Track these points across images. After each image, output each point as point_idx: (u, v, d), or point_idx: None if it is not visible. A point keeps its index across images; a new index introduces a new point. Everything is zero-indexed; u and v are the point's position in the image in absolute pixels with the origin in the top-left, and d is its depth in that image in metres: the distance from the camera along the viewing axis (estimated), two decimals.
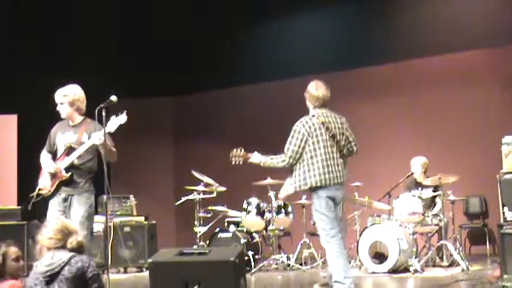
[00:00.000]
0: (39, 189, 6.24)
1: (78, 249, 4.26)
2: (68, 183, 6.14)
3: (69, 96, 6.24)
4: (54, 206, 6.18)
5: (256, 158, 6.39)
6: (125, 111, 6.08)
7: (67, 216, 6.09)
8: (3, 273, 4.43)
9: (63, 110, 6.27)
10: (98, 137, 5.97)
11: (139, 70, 12.59)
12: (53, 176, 6.19)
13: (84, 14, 11.88)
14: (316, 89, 6.28)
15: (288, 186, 6.28)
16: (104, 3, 11.90)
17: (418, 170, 9.14)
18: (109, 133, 5.99)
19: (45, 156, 6.33)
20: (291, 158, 6.07)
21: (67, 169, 6.14)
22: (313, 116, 6.20)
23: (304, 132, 6.08)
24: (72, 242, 4.25)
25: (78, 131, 6.23)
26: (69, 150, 6.17)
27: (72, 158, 6.12)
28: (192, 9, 12.67)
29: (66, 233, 4.27)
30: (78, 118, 6.30)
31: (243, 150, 6.53)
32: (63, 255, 4.18)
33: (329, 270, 6.10)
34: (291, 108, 11.83)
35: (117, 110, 6.09)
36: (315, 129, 6.10)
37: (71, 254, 4.19)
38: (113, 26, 12.16)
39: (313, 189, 6.06)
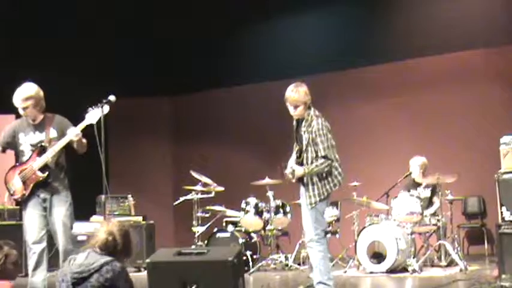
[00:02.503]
0: (11, 195, 6.09)
1: (107, 247, 4.03)
2: (45, 183, 6.01)
3: (32, 98, 6.03)
4: (33, 207, 6.05)
5: (299, 170, 5.99)
6: (106, 102, 5.87)
7: (47, 216, 6.00)
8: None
9: (28, 112, 6.06)
10: (75, 133, 5.87)
11: (139, 70, 12.58)
12: (26, 178, 6.00)
13: (84, 14, 11.87)
14: (305, 87, 6.16)
15: (319, 191, 5.99)
16: (104, 3, 11.90)
17: (416, 170, 9.13)
18: (91, 125, 5.81)
19: None
20: (333, 160, 5.96)
21: (42, 169, 5.98)
22: (319, 114, 6.11)
23: (328, 133, 6.02)
24: (100, 236, 4.04)
25: (43, 129, 6.07)
26: (41, 149, 6.01)
27: (47, 156, 5.96)
28: (191, 10, 12.67)
29: (101, 228, 4.11)
30: (41, 116, 6.12)
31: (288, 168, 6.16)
32: (97, 260, 3.95)
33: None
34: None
35: (116, 109, 6.06)
36: (330, 130, 6.06)
37: (106, 259, 3.96)
38: (113, 26, 12.16)
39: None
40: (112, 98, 5.82)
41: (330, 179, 5.98)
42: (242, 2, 12.12)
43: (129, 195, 10.15)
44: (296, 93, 6.06)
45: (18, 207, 9.09)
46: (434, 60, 11.16)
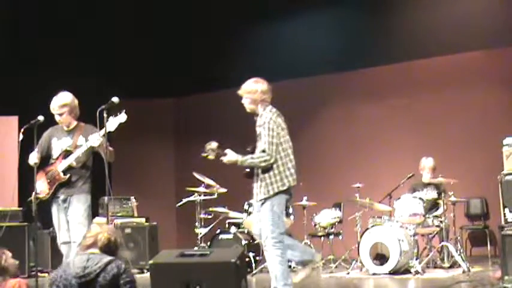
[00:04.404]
0: (36, 194, 6.30)
1: (109, 247, 4.17)
2: (67, 184, 6.29)
3: (68, 105, 6.36)
4: (57, 211, 6.34)
5: (232, 156, 5.90)
6: (124, 111, 6.15)
7: (65, 216, 6.26)
8: (5, 271, 4.46)
9: (63, 119, 6.39)
10: (95, 139, 6.09)
11: (140, 70, 12.59)
12: (51, 179, 6.30)
13: (84, 14, 11.89)
14: (263, 83, 5.99)
15: (260, 190, 5.82)
16: (103, 3, 11.91)
17: (427, 171, 9.08)
18: (108, 133, 6.02)
19: (35, 157, 6.32)
20: (273, 158, 5.72)
21: (65, 171, 6.27)
22: (275, 111, 5.95)
23: (276, 128, 5.81)
24: (101, 238, 4.16)
25: (73, 135, 6.38)
26: (66, 153, 6.31)
27: (70, 160, 6.27)
28: (192, 9, 12.68)
29: (99, 231, 4.22)
30: (74, 123, 6.45)
31: (217, 144, 6.03)
32: (100, 260, 4.06)
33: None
34: (291, 108, 11.85)
35: (117, 110, 6.13)
36: (283, 128, 5.90)
37: (109, 258, 4.07)
38: (113, 26, 12.17)
39: (283, 191, 5.77)
40: (115, 99, 5.89)
41: (278, 177, 5.75)
42: (242, 3, 12.13)
43: (132, 197, 10.16)
44: (247, 84, 6.04)
45: (20, 208, 9.15)
46: (436, 61, 11.16)
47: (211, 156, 5.98)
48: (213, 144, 5.99)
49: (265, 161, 5.74)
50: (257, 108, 6.01)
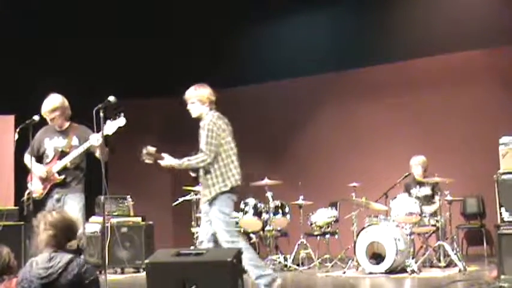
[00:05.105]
0: (28, 193, 6.34)
1: (77, 250, 4.07)
2: (62, 184, 6.35)
3: (58, 109, 6.42)
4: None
5: (169, 160, 6.06)
6: (123, 114, 6.23)
7: None
8: (11, 270, 4.46)
9: (56, 121, 6.45)
10: (96, 138, 6.11)
11: (138, 70, 12.57)
12: (45, 179, 6.35)
13: (84, 14, 11.87)
14: (208, 88, 6.27)
15: (204, 192, 5.95)
16: (104, 3, 11.89)
17: (418, 168, 9.11)
18: (107, 135, 6.04)
19: (30, 160, 6.40)
20: (211, 157, 5.85)
21: (60, 172, 6.34)
22: (216, 115, 6.11)
23: (216, 130, 5.95)
24: (72, 245, 4.04)
25: (66, 136, 6.44)
26: (61, 154, 6.37)
27: (66, 161, 6.33)
28: (191, 9, 12.66)
29: (65, 231, 4.06)
30: (66, 124, 6.52)
31: (155, 149, 6.14)
32: (61, 259, 3.94)
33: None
34: (291, 108, 11.90)
35: (116, 113, 6.14)
36: (224, 129, 6.02)
37: (69, 257, 3.97)
38: (113, 26, 12.15)
39: (228, 191, 5.88)
40: (112, 99, 5.86)
41: (220, 179, 5.89)
42: (242, 2, 12.12)
43: (128, 196, 10.15)
44: (193, 90, 6.26)
45: (17, 207, 9.12)
46: (433, 61, 11.17)
47: (148, 161, 6.11)
48: (150, 149, 6.09)
49: (202, 161, 5.87)
50: (203, 112, 6.17)
